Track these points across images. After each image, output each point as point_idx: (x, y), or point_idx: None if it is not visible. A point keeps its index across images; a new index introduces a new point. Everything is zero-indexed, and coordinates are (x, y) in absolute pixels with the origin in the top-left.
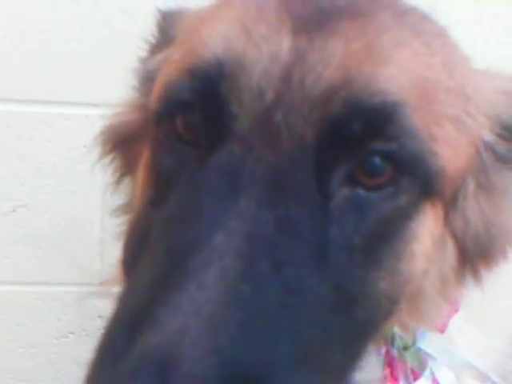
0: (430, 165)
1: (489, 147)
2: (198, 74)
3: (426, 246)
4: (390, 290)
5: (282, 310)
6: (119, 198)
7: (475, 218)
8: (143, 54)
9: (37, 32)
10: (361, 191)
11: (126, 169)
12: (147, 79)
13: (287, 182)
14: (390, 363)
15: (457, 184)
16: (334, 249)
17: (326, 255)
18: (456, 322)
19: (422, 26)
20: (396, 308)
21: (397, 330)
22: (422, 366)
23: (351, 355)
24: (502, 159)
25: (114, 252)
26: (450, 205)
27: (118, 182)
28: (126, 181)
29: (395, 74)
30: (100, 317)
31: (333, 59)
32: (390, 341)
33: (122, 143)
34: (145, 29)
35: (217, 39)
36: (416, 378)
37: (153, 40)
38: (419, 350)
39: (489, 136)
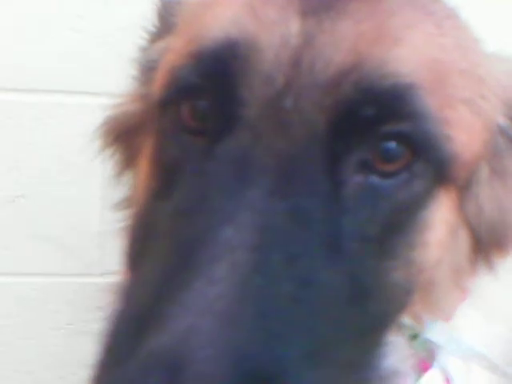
0: (445, 149)
1: (503, 132)
2: (206, 53)
3: (440, 235)
4: (403, 280)
5: (296, 304)
6: (121, 192)
7: (489, 204)
8: (143, 42)
9: (35, 21)
10: (375, 178)
11: (128, 161)
12: (148, 69)
13: (298, 170)
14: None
15: (471, 169)
16: (347, 239)
17: (339, 245)
18: (462, 309)
19: (432, 6)
20: (410, 299)
21: (406, 319)
22: (430, 355)
23: (366, 348)
24: None
25: (113, 243)
26: (464, 191)
27: (120, 174)
28: (128, 174)
29: (407, 56)
30: (99, 308)
31: (342, 42)
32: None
33: (123, 135)
34: (144, 16)
35: (226, 20)
36: (425, 368)
37: (153, 29)
38: (428, 339)
39: (502, 120)
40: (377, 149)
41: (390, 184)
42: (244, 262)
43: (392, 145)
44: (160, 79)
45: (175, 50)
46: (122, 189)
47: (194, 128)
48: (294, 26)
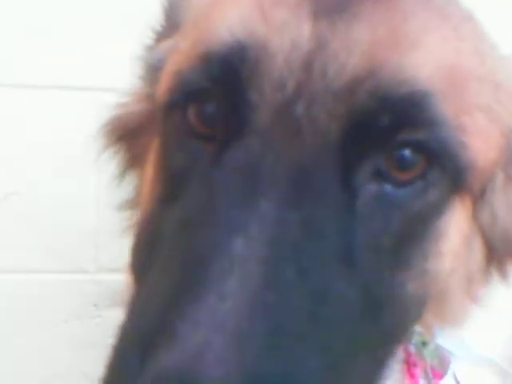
0: (461, 156)
1: None
2: (215, 57)
3: (455, 244)
4: (417, 291)
5: (309, 319)
6: (124, 192)
7: (503, 212)
8: (149, 41)
9: (35, 16)
10: (389, 187)
11: (132, 162)
12: (153, 68)
13: (310, 180)
14: (407, 360)
15: (486, 177)
16: (361, 250)
17: (352, 257)
18: (473, 315)
19: (448, 9)
20: (424, 309)
21: (416, 327)
22: (442, 363)
23: (378, 362)
24: None
25: (108, 240)
26: (479, 199)
27: (123, 175)
28: (132, 174)
29: (423, 62)
30: (95, 305)
31: (356, 46)
32: (409, 337)
33: (127, 135)
34: (149, 12)
35: (235, 22)
36: (436, 377)
37: (159, 27)
38: (438, 346)
39: None
40: (391, 157)
41: (404, 193)
42: (255, 276)
43: (407, 153)
44: (166, 81)
45: (182, 51)
46: (125, 189)
47: (202, 133)
48: (305, 29)
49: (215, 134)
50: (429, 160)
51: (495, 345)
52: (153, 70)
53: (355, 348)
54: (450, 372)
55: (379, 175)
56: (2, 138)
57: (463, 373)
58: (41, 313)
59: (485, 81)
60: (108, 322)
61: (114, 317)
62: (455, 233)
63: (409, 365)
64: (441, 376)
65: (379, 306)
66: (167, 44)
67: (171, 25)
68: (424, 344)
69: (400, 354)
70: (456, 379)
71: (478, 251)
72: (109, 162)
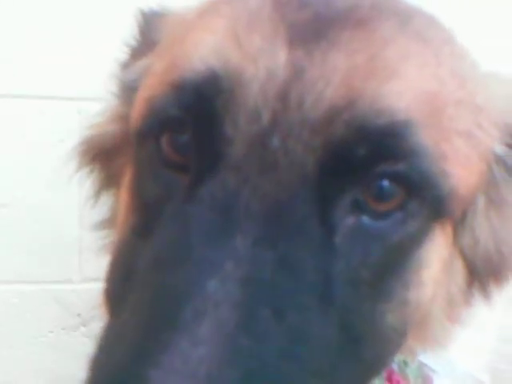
0: (441, 185)
1: (500, 160)
2: (187, 86)
3: (435, 272)
4: (398, 321)
5: (287, 361)
6: (100, 212)
7: (485, 235)
8: (124, 56)
9: (12, 24)
10: (366, 219)
11: (107, 182)
12: (128, 88)
13: (287, 215)
14: (389, 378)
15: (467, 202)
16: (339, 285)
17: (330, 293)
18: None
19: (428, 32)
20: (405, 339)
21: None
22: (425, 382)
23: None
24: None
25: (93, 250)
26: (459, 223)
27: (98, 194)
28: (107, 194)
29: (402, 90)
30: (79, 315)
31: (334, 76)
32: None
33: (101, 155)
34: (126, 22)
35: (207, 50)
36: None
37: (134, 43)
38: (421, 364)
39: (499, 148)
40: (369, 188)
41: (383, 225)
42: (229, 319)
43: (386, 184)
44: (139, 106)
45: (155, 74)
46: (100, 209)
47: (176, 162)
48: (281, 57)
49: (189, 163)
50: (408, 191)
51: (477, 362)
52: (127, 90)
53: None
54: None
55: (357, 207)
56: None
57: None
58: (25, 323)
59: (464, 105)
60: (92, 332)
61: (99, 327)
62: (436, 260)
63: (392, 383)
64: None
65: (359, 340)
66: (142, 63)
67: (146, 42)
68: (406, 363)
69: (383, 372)
70: None
71: (458, 274)
72: (87, 179)
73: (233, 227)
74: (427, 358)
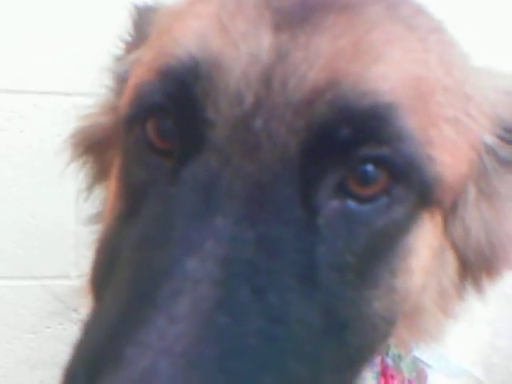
0: (427, 171)
1: (490, 151)
2: (170, 74)
3: (424, 260)
4: (385, 309)
5: (266, 342)
6: (93, 205)
7: (476, 226)
8: (119, 51)
9: (8, 19)
10: (352, 203)
11: (99, 175)
12: (121, 80)
13: (268, 196)
14: (384, 373)
15: (457, 191)
16: (323, 268)
17: (313, 276)
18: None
19: (415, 19)
20: (392, 328)
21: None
22: (419, 376)
23: (344, 382)
24: (504, 163)
25: (89, 245)
26: (450, 213)
27: (91, 188)
28: (100, 187)
29: (386, 73)
30: (76, 310)
31: (317, 58)
32: (385, 349)
33: (94, 147)
34: (121, 18)
35: (190, 36)
36: None
37: (129, 38)
38: (415, 358)
39: (490, 139)
40: (353, 172)
41: (368, 209)
42: (207, 298)
43: (370, 168)
44: (127, 95)
45: (144, 64)
46: (93, 202)
47: (161, 148)
48: (265, 41)
49: (173, 149)
50: (393, 175)
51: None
52: (119, 82)
53: (317, 370)
54: None
55: (341, 191)
56: None
57: None
58: (23, 319)
59: (453, 93)
60: None
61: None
62: (425, 248)
63: (386, 378)
64: None
65: (344, 326)
66: (133, 55)
67: (140, 35)
68: (400, 357)
69: (377, 366)
70: None
71: (450, 266)
72: (80, 171)
73: (214, 207)
74: (422, 352)
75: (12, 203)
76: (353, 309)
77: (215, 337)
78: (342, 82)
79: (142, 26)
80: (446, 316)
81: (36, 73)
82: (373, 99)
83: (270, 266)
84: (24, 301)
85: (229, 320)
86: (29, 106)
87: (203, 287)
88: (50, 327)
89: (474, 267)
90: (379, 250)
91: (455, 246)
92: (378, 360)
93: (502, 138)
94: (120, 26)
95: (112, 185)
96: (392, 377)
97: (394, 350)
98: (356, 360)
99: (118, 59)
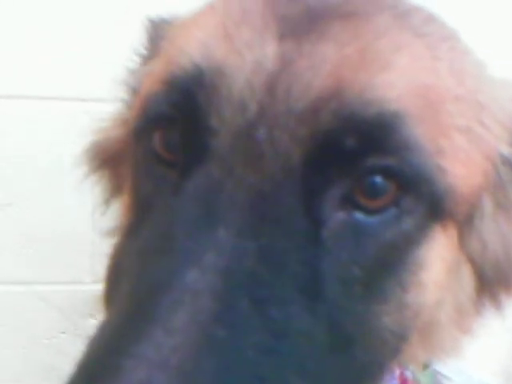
0: (438, 181)
1: (507, 162)
2: (174, 83)
3: (438, 274)
4: (396, 325)
5: (266, 357)
6: (111, 219)
7: (494, 240)
8: (134, 65)
9: (17, 24)
10: (359, 215)
11: (116, 188)
12: (134, 92)
13: (272, 208)
14: None
15: (472, 203)
16: (328, 282)
17: (318, 289)
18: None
19: (426, 27)
20: (404, 344)
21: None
22: None
23: None
24: None
25: (105, 250)
26: (465, 226)
27: (108, 202)
28: (117, 201)
29: (394, 81)
30: (91, 315)
31: (323, 66)
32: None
33: (108, 161)
34: (134, 25)
35: (194, 45)
36: None
37: (143, 51)
38: (435, 371)
39: (506, 149)
40: (360, 183)
41: (376, 221)
42: (206, 310)
43: (377, 179)
44: (136, 106)
45: (153, 75)
46: (111, 216)
47: (167, 159)
48: (270, 49)
49: (178, 160)
50: (401, 186)
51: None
52: (133, 94)
53: None
54: None
55: (347, 202)
56: None
57: None
58: (37, 324)
59: (464, 101)
60: None
61: None
62: (437, 262)
63: None
64: None
65: (351, 341)
66: (146, 68)
67: (154, 48)
68: (421, 370)
69: (396, 380)
70: None
71: (467, 281)
72: (96, 184)
73: (216, 218)
74: (441, 365)
75: (25, 209)
76: (360, 323)
77: (213, 350)
78: (348, 91)
79: (156, 39)
80: (462, 332)
81: (48, 78)
82: (379, 107)
83: (272, 278)
84: (39, 306)
85: (228, 333)
86: (42, 111)
87: (202, 299)
88: (64, 332)
89: (491, 282)
90: (388, 263)
91: (472, 260)
92: (397, 373)
93: None
94: (133, 33)
95: (125, 199)
96: None
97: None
98: (364, 376)
99: (133, 72)
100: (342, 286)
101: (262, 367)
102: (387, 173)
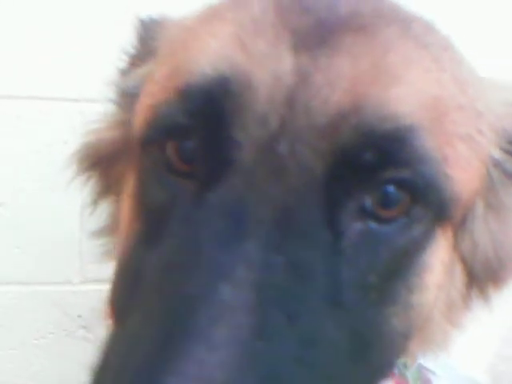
0: (445, 190)
1: (497, 164)
2: (196, 92)
3: (438, 275)
4: (403, 325)
5: (300, 366)
6: (99, 219)
7: (484, 239)
8: (123, 65)
9: (11, 25)
10: (373, 224)
11: (105, 189)
12: (128, 94)
13: (295, 220)
14: None
15: (467, 206)
16: (348, 289)
17: (339, 297)
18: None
19: (428, 37)
20: (409, 343)
21: None
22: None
23: None
24: (510, 176)
25: (93, 251)
26: (459, 227)
27: (96, 202)
28: (106, 202)
29: (406, 95)
30: (79, 316)
31: (339, 81)
32: None
33: (99, 162)
34: (128, 25)
35: (215, 54)
36: None
37: (133, 51)
38: (421, 367)
39: (497, 152)
40: (376, 194)
41: (388, 229)
42: (244, 325)
43: (392, 190)
44: (142, 114)
45: (158, 82)
46: (100, 216)
47: (182, 170)
48: (287, 62)
49: (195, 171)
50: (413, 197)
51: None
52: (127, 97)
53: None
54: None
55: (364, 212)
56: None
57: None
58: (25, 324)
59: (466, 110)
60: (93, 334)
61: (99, 328)
62: (438, 264)
63: None
64: None
65: (366, 344)
66: (142, 70)
67: (145, 49)
68: (406, 365)
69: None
70: None
71: (458, 278)
72: (85, 184)
73: (242, 232)
74: (427, 360)
75: (16, 209)
76: (375, 327)
77: (253, 364)
78: (364, 106)
79: (147, 39)
80: (452, 326)
81: (42, 79)
82: (395, 123)
83: (299, 290)
84: (27, 307)
85: (266, 347)
86: (35, 111)
87: (238, 314)
88: (53, 333)
89: (480, 278)
90: (397, 268)
91: (463, 259)
92: None
93: (507, 152)
94: (127, 33)
95: (127, 204)
96: None
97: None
98: (376, 375)
99: (123, 73)
100: (358, 292)
101: (297, 376)
102: (401, 184)
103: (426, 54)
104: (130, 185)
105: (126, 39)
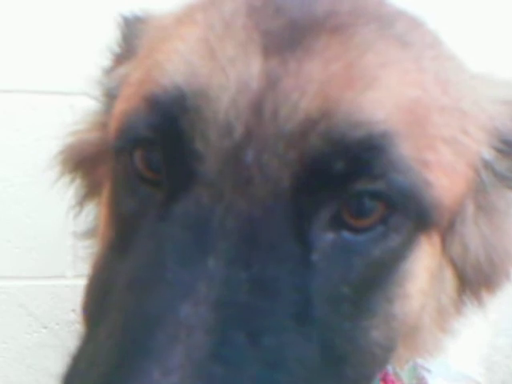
0: (424, 197)
1: (488, 165)
2: (155, 105)
3: (423, 282)
4: (384, 337)
5: None
6: (85, 221)
7: (475, 243)
8: (107, 63)
9: (4, 19)
10: (347, 234)
11: (90, 190)
12: (109, 95)
13: (262, 233)
14: (384, 379)
15: (455, 210)
16: (318, 303)
17: (308, 312)
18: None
19: (410, 35)
20: (391, 355)
21: None
22: (420, 383)
23: None
24: (502, 178)
25: (87, 245)
26: (447, 231)
27: (81, 203)
28: (91, 203)
29: (382, 99)
30: (73, 310)
31: (309, 86)
32: None
33: (83, 163)
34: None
35: (176, 63)
36: None
37: (117, 48)
38: (415, 365)
39: (487, 153)
40: (348, 205)
41: (363, 239)
42: (202, 346)
43: (364, 201)
44: (115, 120)
45: (131, 86)
46: (86, 218)
47: (150, 178)
48: (254, 67)
49: (162, 179)
50: (389, 206)
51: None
52: (108, 97)
53: None
54: None
55: (335, 222)
56: None
57: None
58: (19, 318)
59: (449, 112)
60: None
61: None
62: (422, 271)
63: None
64: None
65: (341, 359)
66: (121, 71)
67: (128, 47)
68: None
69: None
70: None
71: (448, 283)
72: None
73: (206, 247)
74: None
75: (7, 203)
76: (350, 340)
77: None
78: (336, 112)
79: (130, 37)
80: (444, 332)
81: (31, 72)
82: (367, 129)
83: (264, 307)
84: (20, 301)
85: (224, 369)
86: (24, 105)
87: (197, 335)
88: (46, 327)
89: (472, 282)
90: (375, 279)
91: (453, 263)
92: None
93: (500, 151)
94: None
95: (102, 210)
96: (392, 383)
97: None
98: None
99: (107, 71)
100: (330, 305)
101: None
102: (375, 195)
103: (407, 53)
104: (105, 191)
105: (108, 42)
